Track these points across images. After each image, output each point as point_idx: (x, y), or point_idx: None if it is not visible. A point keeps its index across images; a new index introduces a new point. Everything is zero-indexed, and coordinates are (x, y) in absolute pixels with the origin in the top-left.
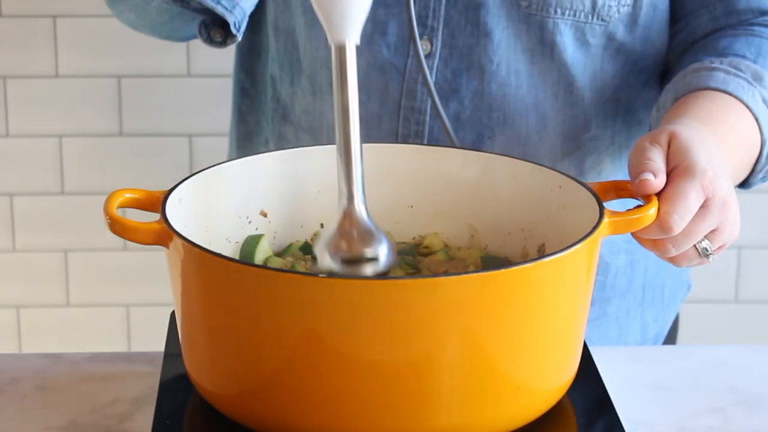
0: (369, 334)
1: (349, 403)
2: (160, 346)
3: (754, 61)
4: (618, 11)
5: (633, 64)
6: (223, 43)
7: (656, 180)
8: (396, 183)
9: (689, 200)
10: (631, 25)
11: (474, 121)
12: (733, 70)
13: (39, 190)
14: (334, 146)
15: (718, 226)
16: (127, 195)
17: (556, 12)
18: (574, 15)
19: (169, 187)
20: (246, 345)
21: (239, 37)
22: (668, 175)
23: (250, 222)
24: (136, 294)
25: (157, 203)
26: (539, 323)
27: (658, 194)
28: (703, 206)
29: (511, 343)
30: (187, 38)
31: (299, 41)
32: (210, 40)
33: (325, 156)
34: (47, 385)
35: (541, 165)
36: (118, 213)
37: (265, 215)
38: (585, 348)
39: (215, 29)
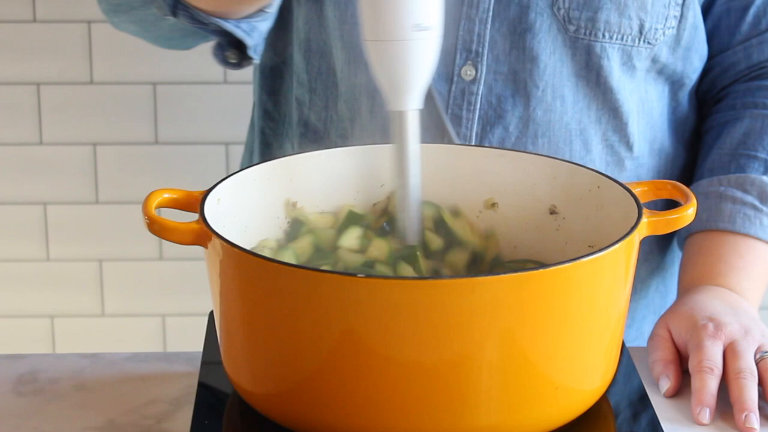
0: (408, 334)
1: (388, 403)
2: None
3: (765, 162)
4: (663, 34)
5: (672, 85)
6: (238, 65)
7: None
8: (435, 183)
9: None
10: (674, 46)
11: (519, 147)
12: (740, 197)
13: (73, 198)
14: (372, 146)
15: (760, 343)
16: (166, 195)
17: (604, 36)
18: (622, 39)
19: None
20: (285, 345)
21: (256, 60)
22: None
23: (288, 222)
24: (172, 304)
25: (195, 203)
26: (578, 323)
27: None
28: (729, 352)
29: (549, 342)
30: (190, 48)
31: (336, 64)
32: (225, 62)
33: (363, 156)
34: (86, 385)
35: (580, 165)
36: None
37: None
38: (623, 348)
39: (231, 51)
